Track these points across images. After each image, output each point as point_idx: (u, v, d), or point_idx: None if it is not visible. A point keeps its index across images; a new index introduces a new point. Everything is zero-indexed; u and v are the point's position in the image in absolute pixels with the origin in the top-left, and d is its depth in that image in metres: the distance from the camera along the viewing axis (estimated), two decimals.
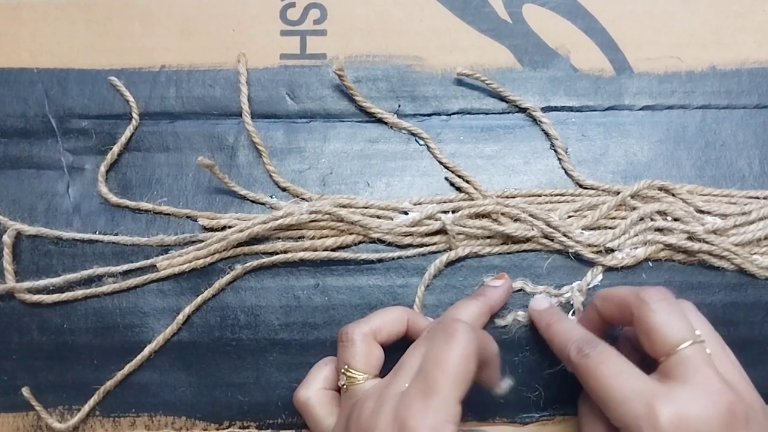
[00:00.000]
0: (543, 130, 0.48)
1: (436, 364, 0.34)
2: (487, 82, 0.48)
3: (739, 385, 0.35)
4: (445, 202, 0.47)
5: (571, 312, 0.45)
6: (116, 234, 0.47)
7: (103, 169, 0.47)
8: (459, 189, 0.47)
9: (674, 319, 0.35)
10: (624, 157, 0.48)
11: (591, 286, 0.46)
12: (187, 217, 0.47)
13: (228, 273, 0.46)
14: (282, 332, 0.46)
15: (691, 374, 0.34)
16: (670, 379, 0.34)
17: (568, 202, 0.47)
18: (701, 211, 0.46)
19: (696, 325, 0.37)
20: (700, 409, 0.33)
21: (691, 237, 0.45)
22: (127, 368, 0.45)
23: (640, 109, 0.49)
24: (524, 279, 0.46)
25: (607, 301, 0.40)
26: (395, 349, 0.40)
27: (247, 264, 0.46)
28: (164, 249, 0.46)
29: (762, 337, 0.46)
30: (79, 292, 0.46)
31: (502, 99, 0.49)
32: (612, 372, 0.35)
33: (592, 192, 0.47)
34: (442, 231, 0.46)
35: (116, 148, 0.48)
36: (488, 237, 0.46)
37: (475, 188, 0.47)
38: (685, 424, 0.32)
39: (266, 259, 0.46)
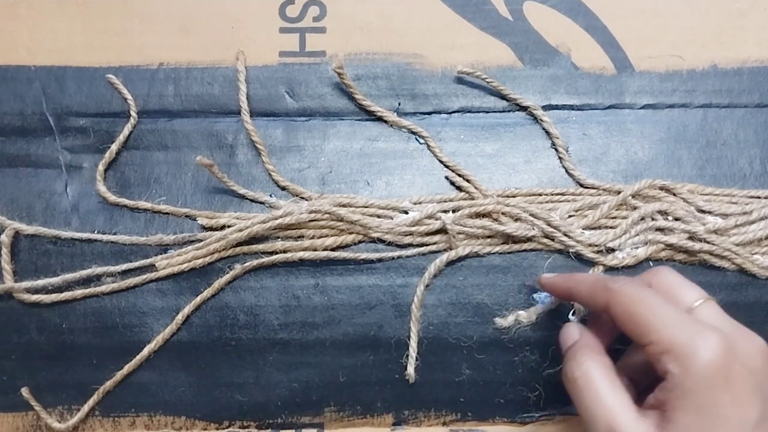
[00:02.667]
0: (544, 128, 0.48)
1: None
2: (487, 80, 0.48)
3: None
4: (445, 201, 0.47)
5: (572, 312, 0.45)
6: (115, 233, 0.46)
7: (101, 167, 0.47)
8: (459, 188, 0.47)
9: (682, 282, 0.38)
10: (625, 156, 0.48)
11: None
12: (186, 216, 0.47)
13: (227, 272, 0.46)
14: (282, 332, 0.46)
15: (720, 322, 0.35)
16: None
17: (568, 201, 0.47)
18: (702, 211, 0.46)
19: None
20: (746, 342, 0.34)
21: (692, 237, 0.45)
22: (127, 368, 0.45)
23: (641, 108, 0.48)
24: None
25: (579, 286, 0.40)
26: None
27: (247, 264, 0.46)
28: (163, 248, 0.46)
29: (763, 337, 0.45)
30: (78, 292, 0.46)
31: (503, 97, 0.49)
32: (654, 301, 0.35)
33: (593, 191, 0.47)
34: (442, 230, 0.46)
35: (114, 147, 0.47)
36: (489, 236, 0.46)
37: (476, 187, 0.47)
38: (736, 351, 0.33)
39: (266, 259, 0.46)
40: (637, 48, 0.49)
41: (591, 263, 0.46)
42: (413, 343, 0.45)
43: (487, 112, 0.49)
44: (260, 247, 0.46)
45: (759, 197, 0.47)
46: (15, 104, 0.48)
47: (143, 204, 0.47)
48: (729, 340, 0.33)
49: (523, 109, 0.48)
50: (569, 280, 0.41)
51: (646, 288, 0.36)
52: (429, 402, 0.46)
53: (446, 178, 0.48)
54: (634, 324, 0.35)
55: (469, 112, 0.49)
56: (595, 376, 0.36)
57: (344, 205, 0.46)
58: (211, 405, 0.46)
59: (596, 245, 0.45)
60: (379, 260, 0.46)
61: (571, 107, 0.49)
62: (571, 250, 0.45)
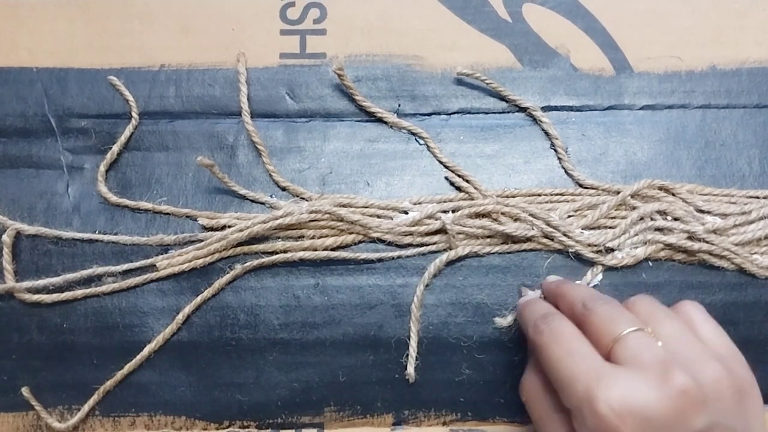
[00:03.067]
0: (543, 129, 0.48)
1: None
2: (487, 81, 0.48)
3: (703, 364, 0.33)
4: (445, 202, 0.47)
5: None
6: (116, 233, 0.47)
7: (102, 168, 0.47)
8: (459, 188, 0.47)
9: (613, 312, 0.35)
10: (624, 157, 0.48)
11: (591, 285, 0.46)
12: (187, 216, 0.47)
13: (228, 273, 0.46)
14: (282, 332, 0.46)
15: (638, 357, 0.33)
16: (618, 364, 0.33)
17: (568, 201, 0.47)
18: (701, 211, 0.46)
19: (649, 313, 0.36)
20: (646, 391, 0.31)
21: (691, 236, 0.45)
22: (127, 368, 0.45)
23: (640, 109, 0.49)
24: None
25: (560, 300, 0.40)
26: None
27: (247, 264, 0.46)
28: (164, 248, 0.46)
29: (762, 337, 0.46)
30: (79, 292, 0.46)
31: (502, 98, 0.49)
32: (562, 352, 0.34)
33: (592, 191, 0.47)
34: (442, 230, 0.46)
35: (116, 148, 0.48)
36: (488, 236, 0.46)
37: (475, 188, 0.47)
38: (628, 409, 0.31)
39: (266, 259, 0.46)
40: (635, 49, 0.49)
41: (590, 263, 0.46)
42: (413, 343, 0.45)
43: (487, 113, 0.49)
44: (261, 247, 0.46)
45: (758, 197, 0.47)
46: (17, 106, 0.49)
47: (144, 204, 0.47)
48: (619, 397, 0.31)
49: (523, 110, 0.49)
50: (521, 310, 0.42)
51: (562, 335, 0.36)
52: (429, 402, 0.46)
53: (446, 178, 0.48)
54: (551, 378, 0.35)
55: (469, 113, 0.49)
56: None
57: (344, 206, 0.46)
58: (212, 405, 0.46)
59: (595, 245, 0.45)
60: (379, 260, 0.46)
61: (571, 108, 0.49)
62: (570, 250, 0.45)
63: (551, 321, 0.37)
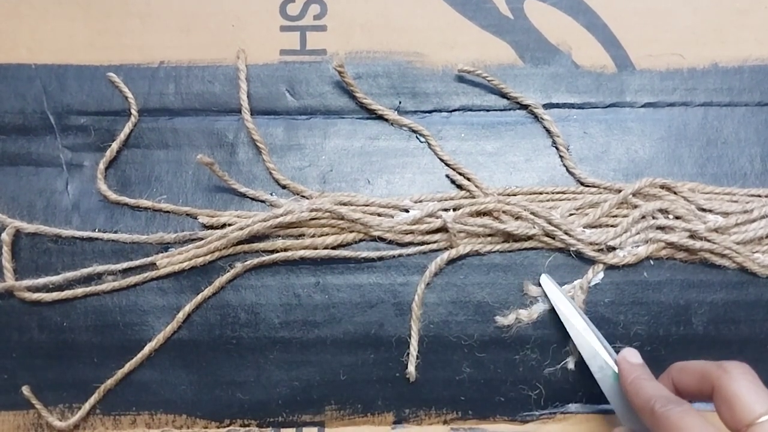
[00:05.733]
0: (544, 127, 0.48)
1: None
2: (488, 78, 0.48)
3: None
4: (446, 200, 0.47)
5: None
6: (115, 232, 0.46)
7: (102, 166, 0.47)
8: (460, 186, 0.47)
9: (757, 390, 0.35)
10: (626, 155, 0.48)
11: (592, 284, 0.46)
12: (187, 214, 0.47)
13: (228, 271, 0.46)
14: (282, 330, 0.46)
15: None
16: None
17: (569, 200, 0.47)
18: (703, 209, 0.46)
19: None
20: None
21: (693, 235, 0.45)
22: (128, 366, 0.45)
23: (642, 107, 0.48)
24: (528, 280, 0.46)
25: (684, 373, 0.39)
26: None
27: (247, 262, 0.46)
28: (164, 247, 0.46)
29: (763, 336, 0.46)
30: (79, 291, 0.46)
31: (504, 96, 0.49)
32: (695, 426, 0.34)
33: (593, 190, 0.47)
34: (443, 229, 0.46)
35: (115, 145, 0.47)
36: (489, 235, 0.46)
37: (476, 186, 0.47)
38: None
39: (266, 257, 0.46)
40: (637, 46, 0.49)
41: (591, 261, 0.46)
42: (414, 342, 0.45)
43: (488, 110, 0.49)
44: (261, 245, 0.46)
45: (759, 196, 0.47)
46: (16, 103, 0.48)
47: (144, 202, 0.47)
48: None
49: (524, 107, 0.48)
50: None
51: (697, 413, 0.35)
52: (430, 400, 0.46)
53: (447, 176, 0.48)
54: None
55: (470, 110, 0.49)
56: (696, 413, 0.36)
57: (345, 204, 0.46)
58: (212, 403, 0.46)
59: (597, 243, 0.45)
60: (380, 259, 0.46)
61: (572, 106, 0.49)
62: (571, 248, 0.45)
63: (682, 403, 0.36)
